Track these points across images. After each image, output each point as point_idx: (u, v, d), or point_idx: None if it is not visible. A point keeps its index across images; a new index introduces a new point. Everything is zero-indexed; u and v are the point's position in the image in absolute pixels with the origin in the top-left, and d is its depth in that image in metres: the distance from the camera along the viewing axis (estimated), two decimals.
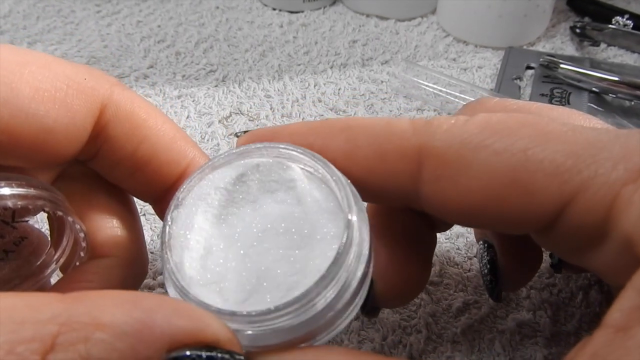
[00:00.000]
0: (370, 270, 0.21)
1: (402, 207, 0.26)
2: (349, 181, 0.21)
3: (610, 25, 0.54)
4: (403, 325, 0.32)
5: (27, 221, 0.27)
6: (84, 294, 0.17)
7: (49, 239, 0.28)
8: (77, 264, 0.26)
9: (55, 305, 0.16)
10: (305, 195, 0.22)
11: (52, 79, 0.23)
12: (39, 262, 0.27)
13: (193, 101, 0.48)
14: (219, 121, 0.46)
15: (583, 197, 0.19)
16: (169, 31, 0.57)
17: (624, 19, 0.54)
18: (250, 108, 0.47)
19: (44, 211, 0.24)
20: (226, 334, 0.18)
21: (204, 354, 0.16)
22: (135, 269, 0.27)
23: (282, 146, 0.22)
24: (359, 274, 0.20)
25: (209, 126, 0.45)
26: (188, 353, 0.16)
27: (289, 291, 0.20)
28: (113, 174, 0.26)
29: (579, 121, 0.24)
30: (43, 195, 0.23)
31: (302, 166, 0.23)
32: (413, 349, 0.31)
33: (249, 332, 0.19)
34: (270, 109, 0.47)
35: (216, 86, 0.50)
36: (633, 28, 0.54)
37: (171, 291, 0.20)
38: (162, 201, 0.26)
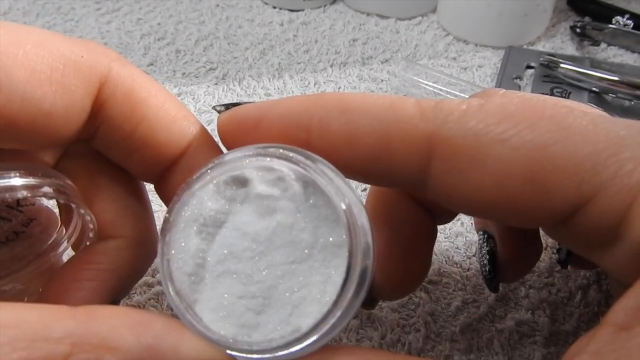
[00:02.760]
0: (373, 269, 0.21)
1: (404, 192, 0.25)
2: (351, 187, 0.20)
3: (610, 25, 0.54)
4: (402, 324, 0.32)
5: (33, 204, 0.27)
6: (95, 311, 0.17)
7: (59, 217, 0.28)
8: (87, 243, 0.26)
9: (67, 322, 0.16)
10: (303, 202, 0.21)
11: (48, 58, 0.22)
12: (50, 241, 0.27)
13: (193, 99, 0.48)
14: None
15: (601, 198, 0.18)
16: (169, 29, 0.57)
17: (624, 19, 0.54)
18: None
19: (52, 198, 0.24)
20: None
21: None
22: (144, 249, 0.27)
23: (275, 149, 0.21)
24: (365, 289, 0.20)
25: (208, 124, 0.45)
26: None
27: (295, 308, 0.19)
28: (112, 153, 0.25)
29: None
30: (47, 183, 0.23)
31: (297, 169, 0.21)
32: (412, 347, 0.31)
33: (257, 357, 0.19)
34: None
35: (216, 84, 0.50)
36: (633, 28, 0.54)
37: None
38: (162, 181, 0.26)
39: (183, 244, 0.21)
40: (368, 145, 0.21)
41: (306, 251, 0.20)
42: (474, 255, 0.35)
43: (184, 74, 0.51)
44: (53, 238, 0.27)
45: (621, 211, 0.18)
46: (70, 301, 0.24)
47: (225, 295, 0.20)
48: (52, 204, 0.29)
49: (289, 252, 0.20)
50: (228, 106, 0.24)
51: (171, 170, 0.25)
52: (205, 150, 0.25)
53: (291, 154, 0.20)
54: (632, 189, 0.18)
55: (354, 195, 0.20)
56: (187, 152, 0.25)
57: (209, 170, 0.21)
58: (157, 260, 0.21)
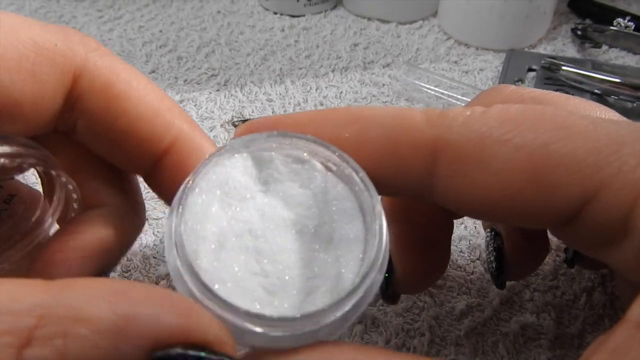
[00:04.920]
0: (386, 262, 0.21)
1: (414, 199, 0.25)
2: (371, 184, 0.20)
3: (611, 27, 0.54)
4: (406, 329, 0.32)
5: (11, 178, 0.27)
6: (71, 283, 0.16)
7: (42, 193, 0.27)
8: (72, 215, 0.25)
9: (38, 295, 0.15)
10: (324, 192, 0.21)
11: (18, 45, 0.21)
12: (34, 218, 0.27)
13: (195, 105, 0.48)
14: (221, 125, 0.46)
15: (605, 194, 0.19)
16: (170, 36, 0.57)
17: (626, 21, 0.54)
18: (252, 112, 0.47)
19: (32, 167, 0.23)
20: (216, 334, 0.16)
21: (190, 355, 0.15)
22: (130, 217, 0.26)
23: (304, 137, 0.21)
24: (378, 282, 0.20)
25: (211, 130, 0.45)
26: (173, 354, 0.15)
27: (308, 296, 0.19)
28: (95, 147, 0.25)
29: (595, 112, 0.24)
30: (25, 152, 0.22)
31: (322, 161, 0.21)
32: (417, 352, 0.31)
33: (262, 333, 0.18)
34: (272, 112, 0.47)
35: (218, 90, 0.50)
36: (634, 30, 0.54)
37: (183, 285, 0.19)
38: (152, 175, 0.25)
39: (203, 209, 0.20)
40: (377, 152, 0.21)
41: (323, 244, 0.20)
42: (477, 259, 0.35)
43: (185, 80, 0.51)
44: (37, 215, 0.27)
45: (627, 206, 0.18)
46: (56, 274, 0.23)
47: (238, 269, 0.20)
48: (33, 183, 0.28)
49: (307, 241, 0.20)
50: (245, 121, 0.24)
51: (160, 164, 0.24)
52: (194, 143, 0.24)
53: (322, 143, 0.21)
54: (636, 184, 0.18)
55: (375, 193, 0.20)
56: (174, 146, 0.24)
57: (236, 144, 0.21)
58: (172, 221, 0.19)
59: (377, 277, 0.19)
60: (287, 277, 0.20)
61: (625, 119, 0.23)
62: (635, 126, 0.20)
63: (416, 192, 0.22)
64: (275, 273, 0.20)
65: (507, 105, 0.21)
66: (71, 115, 0.23)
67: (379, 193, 0.21)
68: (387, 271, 0.26)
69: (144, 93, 0.23)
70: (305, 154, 0.22)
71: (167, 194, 0.24)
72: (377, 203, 0.20)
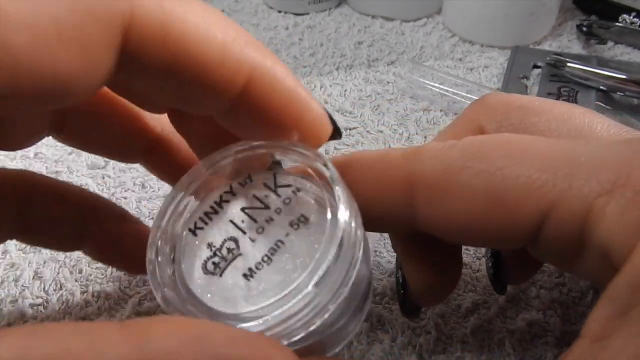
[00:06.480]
0: (365, 276, 0.22)
1: (407, 232, 0.26)
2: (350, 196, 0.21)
3: (617, 23, 0.54)
4: (412, 327, 0.32)
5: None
6: (149, 329, 0.16)
7: None
8: None
9: (120, 346, 0.15)
10: (303, 222, 0.22)
11: (50, 9, 0.16)
12: None
13: None
14: None
15: (559, 210, 0.19)
16: None
17: (631, 17, 0.54)
18: None
19: None
20: None
21: None
22: None
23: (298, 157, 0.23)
24: (343, 288, 0.20)
25: None
26: None
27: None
28: (159, 102, 0.23)
29: (579, 118, 0.24)
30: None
31: (298, 186, 0.23)
32: (422, 350, 0.31)
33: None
34: None
35: None
36: None
37: (173, 297, 0.20)
38: (227, 117, 0.22)
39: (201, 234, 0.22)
40: (364, 189, 0.23)
41: (304, 264, 0.21)
42: (483, 257, 0.35)
43: None
44: None
45: (579, 220, 0.19)
46: None
47: (225, 284, 0.21)
48: None
49: (287, 261, 0.21)
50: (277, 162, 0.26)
51: (236, 107, 0.21)
52: (268, 77, 0.21)
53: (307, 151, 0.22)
54: (586, 198, 0.19)
55: (355, 219, 0.21)
56: (249, 86, 0.20)
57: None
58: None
59: (336, 281, 0.20)
60: (262, 288, 0.21)
61: (617, 123, 0.24)
62: (594, 144, 0.21)
63: (404, 224, 0.23)
64: (258, 287, 0.21)
65: (474, 137, 0.22)
66: (128, 76, 0.20)
67: (372, 230, 0.24)
68: (402, 287, 0.27)
69: (203, 29, 0.19)
70: (291, 181, 0.23)
71: (245, 135, 0.23)
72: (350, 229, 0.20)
